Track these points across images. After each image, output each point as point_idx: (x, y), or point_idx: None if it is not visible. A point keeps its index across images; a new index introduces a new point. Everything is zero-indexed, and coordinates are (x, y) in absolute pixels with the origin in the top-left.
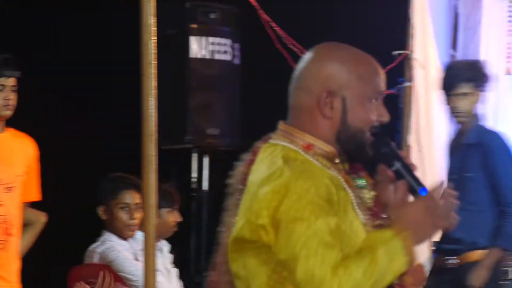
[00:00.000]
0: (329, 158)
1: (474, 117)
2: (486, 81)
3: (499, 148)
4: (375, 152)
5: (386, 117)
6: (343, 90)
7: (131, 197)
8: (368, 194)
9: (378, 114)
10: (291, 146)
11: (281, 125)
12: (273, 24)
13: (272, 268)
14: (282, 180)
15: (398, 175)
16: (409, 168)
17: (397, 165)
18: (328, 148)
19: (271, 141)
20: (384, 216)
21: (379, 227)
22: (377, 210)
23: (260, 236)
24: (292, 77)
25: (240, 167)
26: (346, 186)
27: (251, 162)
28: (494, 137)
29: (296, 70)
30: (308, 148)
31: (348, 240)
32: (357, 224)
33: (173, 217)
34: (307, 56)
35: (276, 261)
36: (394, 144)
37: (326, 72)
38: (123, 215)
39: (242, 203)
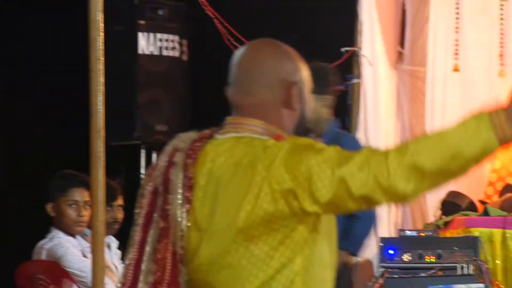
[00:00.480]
0: None
1: (326, 122)
2: (327, 87)
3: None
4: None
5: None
6: (299, 83)
7: (80, 195)
8: None
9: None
10: (262, 137)
11: (236, 119)
12: (222, 20)
13: (291, 246)
14: (287, 147)
15: None
16: None
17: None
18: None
19: (231, 134)
20: None
21: None
22: None
23: (289, 203)
24: (238, 74)
25: (178, 164)
26: None
27: (193, 159)
28: (347, 140)
29: (240, 68)
30: (278, 138)
31: None
32: None
33: (111, 214)
34: (251, 53)
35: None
36: None
37: (283, 68)
38: (71, 212)
39: (224, 192)
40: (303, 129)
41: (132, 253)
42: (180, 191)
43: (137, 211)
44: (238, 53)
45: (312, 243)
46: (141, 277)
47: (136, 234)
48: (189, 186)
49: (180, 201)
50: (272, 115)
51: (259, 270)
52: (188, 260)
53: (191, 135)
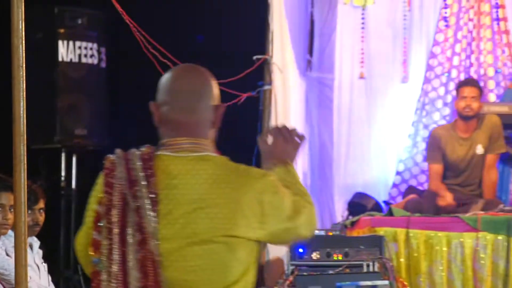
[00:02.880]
0: None
1: None
2: None
3: None
4: None
5: None
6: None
7: (7, 198)
8: None
9: None
10: (213, 154)
11: (187, 139)
12: (138, 29)
13: (255, 255)
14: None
15: None
16: None
17: None
18: None
19: (192, 154)
20: None
21: None
22: None
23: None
24: (178, 96)
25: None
26: None
27: (153, 176)
28: None
29: (181, 90)
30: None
31: None
32: None
33: (32, 217)
34: (189, 78)
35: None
36: None
37: (214, 91)
38: None
39: (208, 206)
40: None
41: (115, 267)
42: (148, 206)
43: (106, 225)
44: (172, 76)
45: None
46: (131, 287)
47: (115, 250)
48: (155, 201)
49: (151, 216)
50: (207, 133)
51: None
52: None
53: (134, 151)
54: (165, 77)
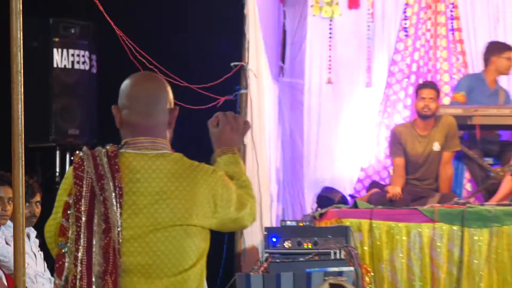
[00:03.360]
0: None
1: None
2: None
3: None
4: None
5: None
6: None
7: (5, 192)
8: None
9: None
10: (169, 152)
11: (146, 138)
12: (126, 38)
13: (208, 242)
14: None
15: None
16: None
17: None
18: None
19: (156, 151)
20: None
21: None
22: None
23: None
24: (138, 100)
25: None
26: None
27: (118, 172)
28: None
29: (140, 95)
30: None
31: None
32: None
33: (29, 209)
34: (146, 84)
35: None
36: None
37: (168, 97)
38: None
39: (168, 198)
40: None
41: (81, 252)
42: (113, 199)
43: (74, 214)
44: (131, 82)
45: None
46: (94, 270)
47: (82, 237)
48: (120, 194)
49: (115, 207)
50: (164, 133)
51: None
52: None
53: (101, 149)
54: (125, 83)
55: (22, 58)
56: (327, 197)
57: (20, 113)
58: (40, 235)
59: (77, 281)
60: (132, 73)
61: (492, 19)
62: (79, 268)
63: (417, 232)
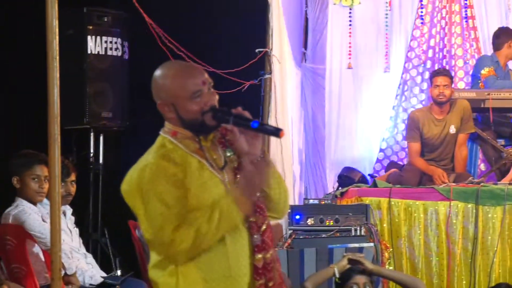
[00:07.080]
0: (191, 138)
1: None
2: None
3: None
4: (216, 121)
5: (211, 102)
6: (172, 98)
7: (42, 170)
8: (233, 158)
9: (204, 102)
10: (166, 135)
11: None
12: (155, 26)
13: None
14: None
15: (236, 124)
16: (241, 116)
17: (230, 118)
18: (186, 132)
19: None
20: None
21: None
22: (238, 170)
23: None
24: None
25: None
26: (201, 159)
27: None
28: None
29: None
30: (174, 134)
31: (196, 197)
32: (212, 182)
33: (65, 188)
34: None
35: None
36: (227, 109)
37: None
38: (34, 185)
39: None
40: (195, 125)
41: None
42: None
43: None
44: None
45: None
46: None
47: None
48: None
49: None
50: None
51: None
52: None
53: None
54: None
55: (57, 45)
56: (348, 177)
57: (55, 97)
58: (76, 212)
59: None
60: (160, 58)
61: (504, 8)
62: None
63: (434, 209)
